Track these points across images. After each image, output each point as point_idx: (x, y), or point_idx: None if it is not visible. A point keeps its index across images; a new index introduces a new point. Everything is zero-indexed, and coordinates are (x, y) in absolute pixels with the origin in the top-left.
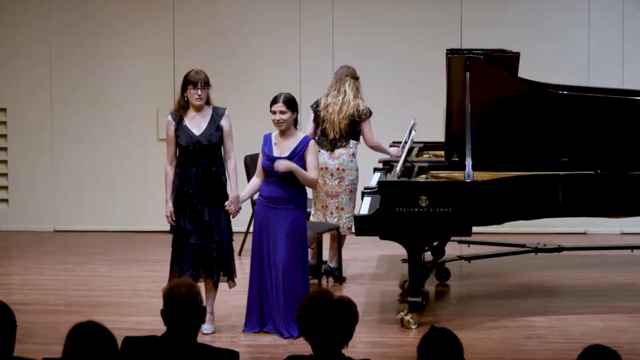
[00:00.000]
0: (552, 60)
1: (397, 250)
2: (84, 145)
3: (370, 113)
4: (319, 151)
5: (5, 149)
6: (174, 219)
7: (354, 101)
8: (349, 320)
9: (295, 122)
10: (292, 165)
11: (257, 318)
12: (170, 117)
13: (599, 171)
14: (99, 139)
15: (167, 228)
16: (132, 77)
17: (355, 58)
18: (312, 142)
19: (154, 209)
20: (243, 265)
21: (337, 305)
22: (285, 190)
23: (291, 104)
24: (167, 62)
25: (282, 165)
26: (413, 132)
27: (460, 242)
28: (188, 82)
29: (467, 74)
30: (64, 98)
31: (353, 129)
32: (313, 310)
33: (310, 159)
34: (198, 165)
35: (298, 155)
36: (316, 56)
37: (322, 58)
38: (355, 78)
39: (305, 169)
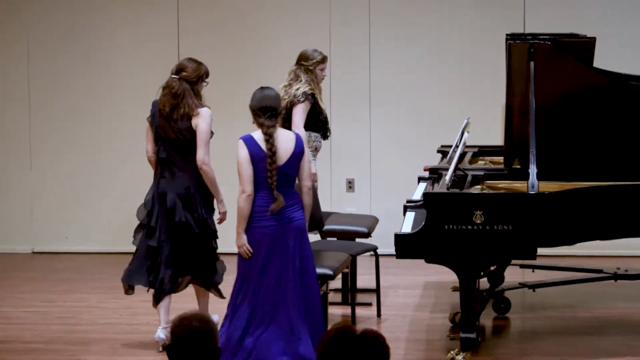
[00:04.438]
0: (634, 47)
1: (446, 276)
2: (69, 154)
3: (306, 97)
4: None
5: None
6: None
7: (290, 89)
8: (378, 359)
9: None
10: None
11: None
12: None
13: None
14: (86, 146)
15: None
16: (128, 74)
17: (393, 47)
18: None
19: None
20: None
21: (362, 342)
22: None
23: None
24: (170, 53)
25: None
26: (465, 134)
27: (522, 266)
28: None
29: (531, 63)
30: (45, 100)
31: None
32: (335, 349)
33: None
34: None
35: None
36: (348, 53)
37: (356, 59)
38: (300, 65)
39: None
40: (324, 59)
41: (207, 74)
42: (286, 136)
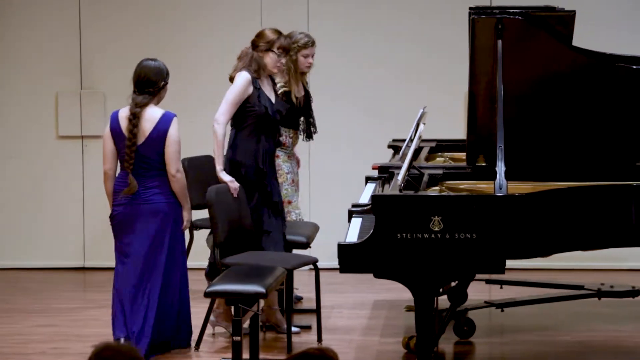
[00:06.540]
0: (620, 22)
1: (399, 293)
2: None
3: None
4: None
5: None
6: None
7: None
8: None
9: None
10: None
11: None
12: (250, 76)
13: None
14: None
15: (71, 263)
16: (21, 52)
17: (335, 25)
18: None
19: (55, 235)
20: None
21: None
22: None
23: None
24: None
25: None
26: (421, 126)
27: (489, 282)
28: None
29: (499, 42)
30: None
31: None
32: None
33: None
34: (273, 140)
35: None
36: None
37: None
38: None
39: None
40: (306, 44)
41: (282, 48)
42: (150, 115)
